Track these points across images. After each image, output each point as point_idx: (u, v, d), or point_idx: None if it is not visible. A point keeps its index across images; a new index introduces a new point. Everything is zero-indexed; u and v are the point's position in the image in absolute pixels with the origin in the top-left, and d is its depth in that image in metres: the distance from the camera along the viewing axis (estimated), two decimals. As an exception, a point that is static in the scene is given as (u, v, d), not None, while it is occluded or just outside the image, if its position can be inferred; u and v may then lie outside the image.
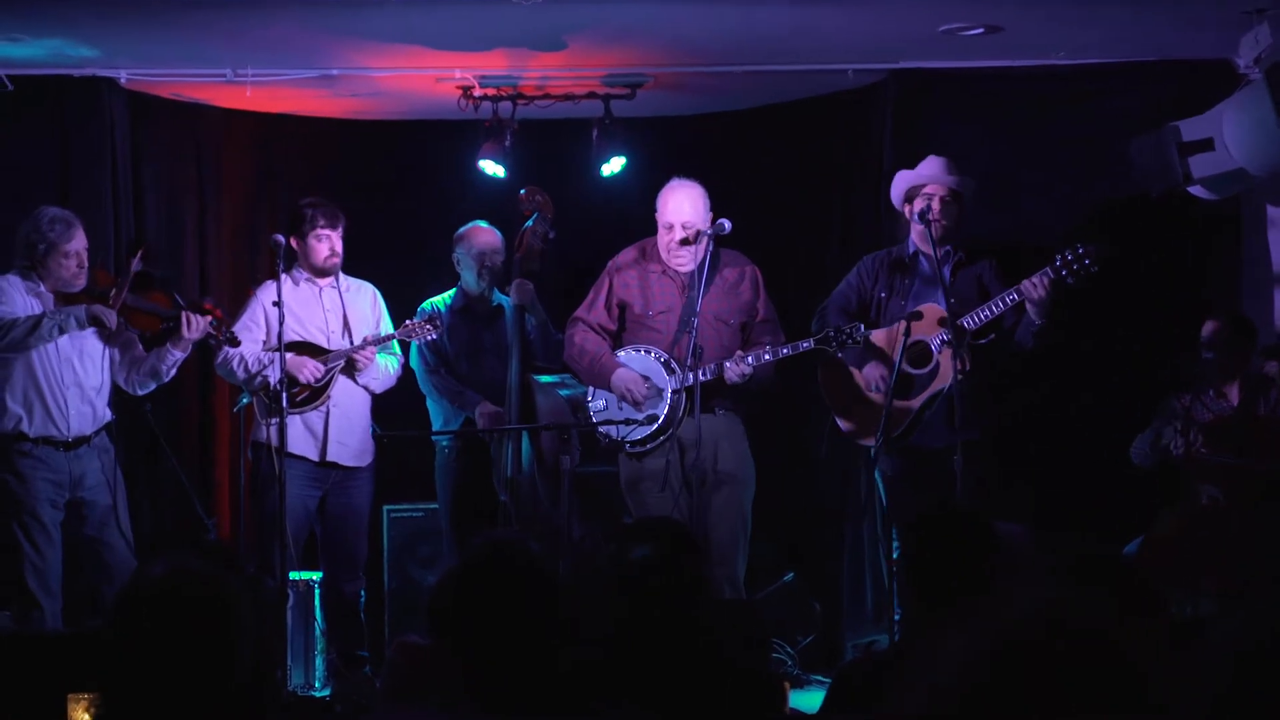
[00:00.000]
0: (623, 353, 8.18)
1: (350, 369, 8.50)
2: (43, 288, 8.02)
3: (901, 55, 9.11)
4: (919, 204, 8.13)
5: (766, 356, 7.93)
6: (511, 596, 3.77)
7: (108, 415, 8.13)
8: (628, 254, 8.33)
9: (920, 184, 8.20)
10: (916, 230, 8.17)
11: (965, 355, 7.64)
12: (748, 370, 7.88)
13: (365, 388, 8.59)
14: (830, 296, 8.39)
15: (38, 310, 7.95)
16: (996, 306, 7.83)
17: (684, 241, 8.06)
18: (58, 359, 7.94)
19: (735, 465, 8.04)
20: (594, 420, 8.19)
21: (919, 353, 7.89)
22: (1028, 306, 7.79)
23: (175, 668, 3.17)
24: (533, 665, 3.76)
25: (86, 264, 8.02)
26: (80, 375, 8.03)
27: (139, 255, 8.11)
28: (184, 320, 7.98)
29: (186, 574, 3.22)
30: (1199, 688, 1.91)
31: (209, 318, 8.06)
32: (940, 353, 7.91)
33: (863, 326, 7.86)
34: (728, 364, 7.88)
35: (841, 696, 4.42)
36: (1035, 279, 7.72)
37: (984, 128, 9.16)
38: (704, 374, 7.85)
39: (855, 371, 8.17)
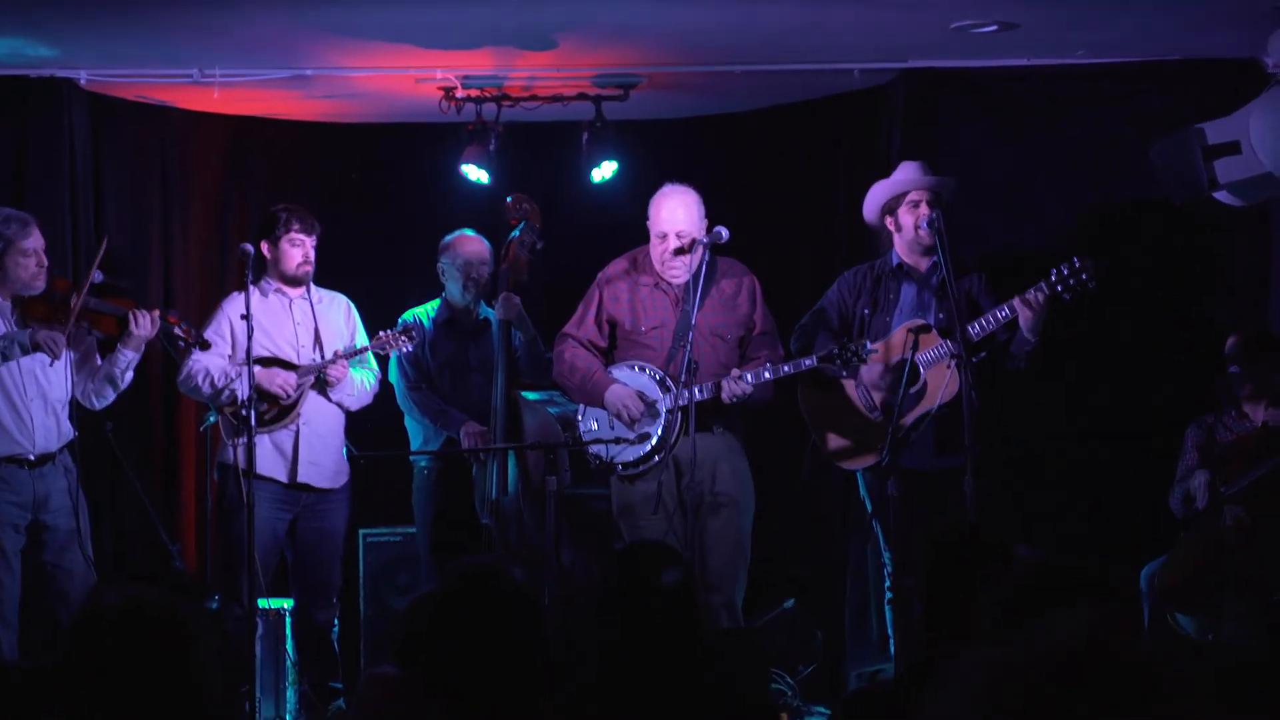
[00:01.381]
0: (615, 370, 8.10)
1: (322, 385, 8.43)
2: None
3: (911, 54, 9.08)
4: (905, 213, 8.07)
5: (766, 375, 7.86)
6: (490, 626, 3.71)
7: (71, 431, 8.07)
8: (617, 265, 8.26)
9: (902, 191, 8.15)
10: (904, 242, 8.11)
11: (969, 372, 7.56)
12: (747, 390, 7.80)
13: (339, 405, 8.52)
14: (809, 315, 8.33)
15: None
16: (989, 322, 7.77)
17: (679, 251, 7.98)
18: (19, 371, 7.89)
19: (733, 487, 7.96)
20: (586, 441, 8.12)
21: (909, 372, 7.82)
22: (1020, 323, 7.74)
23: (130, 698, 3.11)
24: (514, 699, 3.69)
25: (46, 264, 7.95)
26: (45, 387, 7.98)
27: (101, 252, 8.02)
28: (131, 318, 7.91)
29: (140, 601, 3.16)
30: None
31: (156, 311, 7.99)
32: (928, 371, 7.85)
33: (869, 344, 7.79)
34: (724, 382, 7.81)
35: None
36: (1030, 294, 7.68)
37: (998, 130, 9.13)
38: (701, 392, 7.78)
39: (849, 385, 8.09)
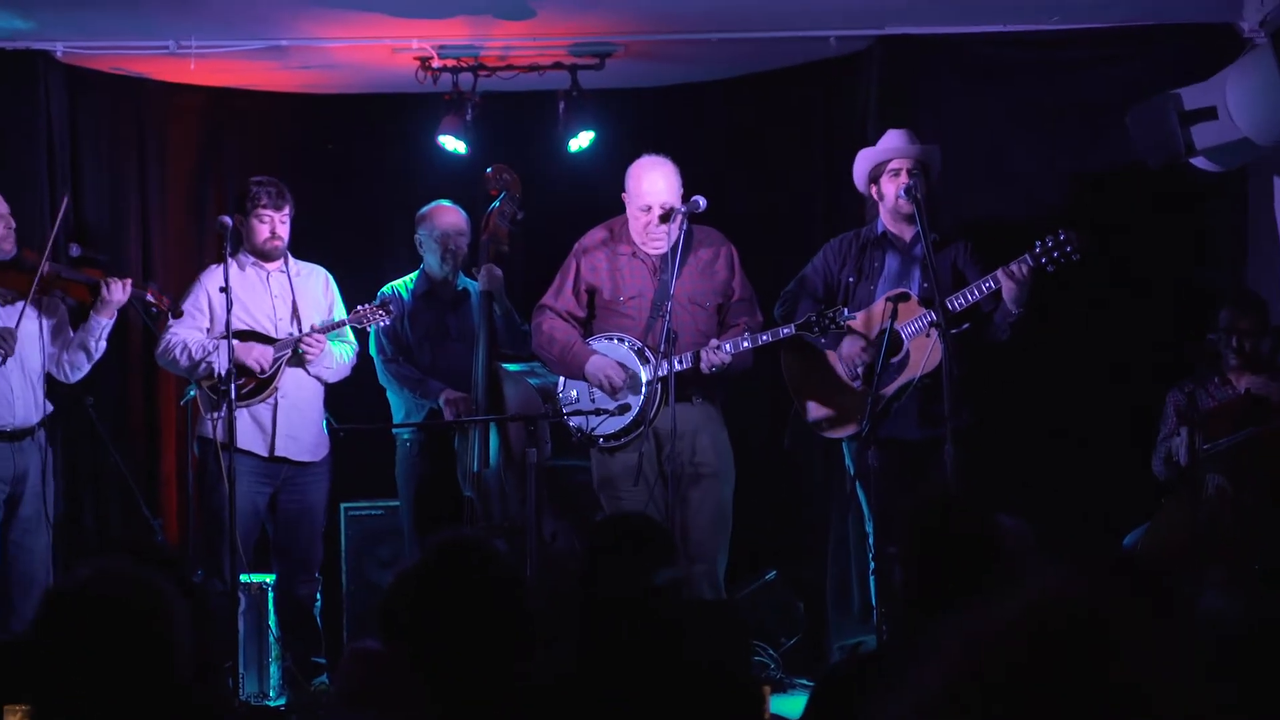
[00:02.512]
0: (594, 341, 8.10)
1: (300, 359, 8.43)
2: None
3: (887, 20, 9.06)
4: (887, 182, 8.09)
5: (745, 344, 7.86)
6: (473, 599, 3.73)
7: (48, 405, 8.07)
8: (595, 235, 8.26)
9: (884, 159, 8.16)
10: (886, 210, 8.14)
11: (949, 341, 7.58)
12: (725, 359, 7.81)
13: (318, 378, 8.53)
14: (794, 282, 8.34)
15: None
16: (973, 294, 7.78)
17: (660, 219, 7.98)
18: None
19: (714, 457, 7.97)
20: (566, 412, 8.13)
21: (890, 341, 7.83)
22: (1004, 295, 7.75)
23: (105, 674, 3.12)
24: (497, 673, 3.70)
25: (13, 225, 7.94)
26: (23, 357, 7.98)
27: (61, 211, 8.00)
28: (104, 285, 7.90)
29: (112, 576, 3.16)
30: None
31: (130, 279, 7.98)
32: (911, 341, 7.87)
33: (846, 310, 7.80)
34: (703, 352, 7.81)
35: (826, 701, 4.38)
36: (1014, 267, 7.69)
37: (975, 96, 9.13)
38: (680, 362, 7.79)
39: (831, 355, 8.12)
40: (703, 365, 7.80)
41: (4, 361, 7.80)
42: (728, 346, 7.82)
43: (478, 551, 3.81)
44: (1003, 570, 4.30)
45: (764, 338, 7.89)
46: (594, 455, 8.11)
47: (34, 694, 3.20)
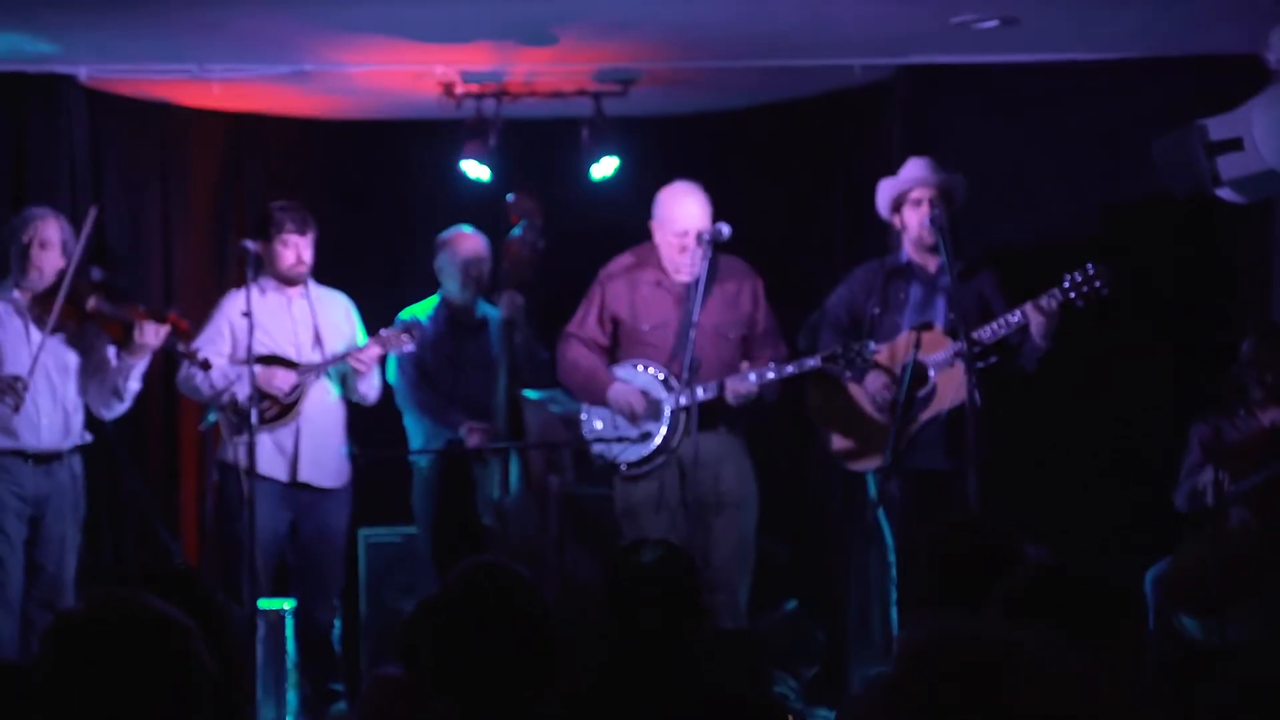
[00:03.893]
0: (618, 369, 8.11)
1: (347, 379, 8.42)
2: (15, 293, 7.98)
3: (911, 49, 9.06)
4: (909, 211, 8.08)
5: (770, 375, 7.86)
6: (497, 625, 3.72)
7: (84, 436, 8.07)
8: (619, 262, 8.26)
9: (906, 189, 8.15)
10: (909, 240, 8.13)
11: (973, 372, 7.56)
12: (751, 389, 7.81)
13: (363, 398, 8.52)
14: (820, 311, 8.34)
15: (5, 321, 7.94)
16: (1000, 328, 7.77)
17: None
18: (30, 366, 7.87)
19: (737, 487, 7.97)
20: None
21: (915, 374, 7.81)
22: (1032, 329, 7.73)
23: (114, 700, 3.09)
24: (518, 700, 3.70)
25: (51, 255, 7.95)
26: (55, 385, 7.98)
27: (89, 224, 8.01)
28: (136, 327, 7.91)
29: (123, 601, 3.14)
30: None
31: (167, 326, 7.98)
32: (937, 373, 7.86)
33: (872, 344, 7.80)
34: (728, 382, 7.81)
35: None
36: (1042, 301, 7.67)
37: (998, 126, 9.12)
38: (705, 391, 7.79)
39: (854, 388, 8.11)
40: (729, 396, 7.80)
41: (17, 409, 7.79)
42: (753, 376, 7.81)
43: (503, 578, 3.81)
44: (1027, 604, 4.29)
45: (789, 369, 7.88)
46: (616, 483, 8.10)
47: (47, 717, 3.18)
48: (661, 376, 8.00)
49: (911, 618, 7.26)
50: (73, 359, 8.06)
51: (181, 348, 8.08)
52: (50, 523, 7.94)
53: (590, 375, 8.10)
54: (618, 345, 8.19)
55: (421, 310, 8.88)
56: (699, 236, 7.94)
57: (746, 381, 7.80)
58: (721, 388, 7.83)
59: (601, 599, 4.66)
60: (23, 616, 7.92)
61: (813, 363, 7.84)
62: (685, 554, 5.03)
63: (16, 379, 7.78)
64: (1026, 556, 4.54)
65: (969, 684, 1.92)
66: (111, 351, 8.07)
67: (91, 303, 7.92)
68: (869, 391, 8.02)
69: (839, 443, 8.18)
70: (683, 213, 8.00)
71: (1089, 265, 7.65)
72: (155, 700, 3.08)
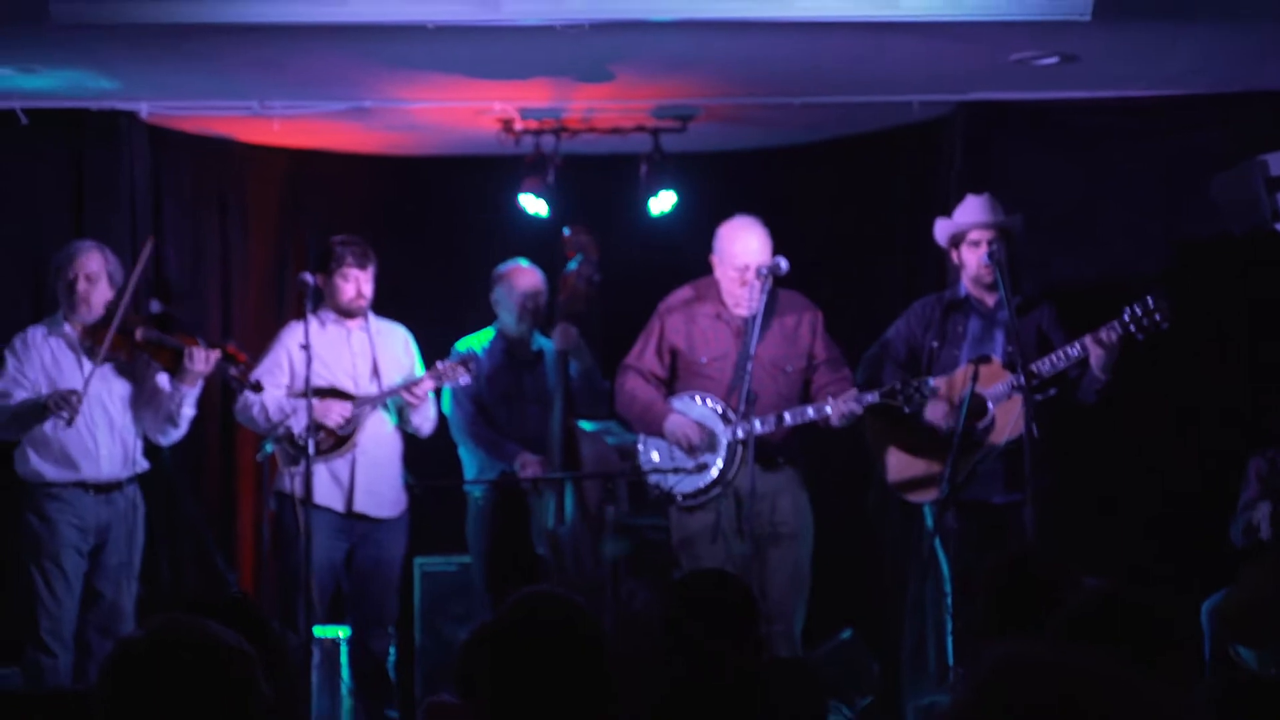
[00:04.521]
0: (675, 401, 8.11)
1: (402, 411, 8.45)
2: (66, 327, 8.05)
3: (970, 86, 9.05)
4: (967, 251, 8.07)
5: (869, 399, 7.81)
6: (555, 655, 3.70)
7: (142, 464, 8.13)
8: (679, 295, 8.27)
9: (964, 230, 8.13)
10: (968, 277, 8.11)
11: (1031, 404, 7.54)
12: (855, 409, 7.78)
13: (417, 430, 8.53)
14: (876, 345, 8.32)
15: (58, 356, 8.01)
16: (1060, 360, 7.73)
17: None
18: (86, 400, 7.92)
19: (793, 518, 7.96)
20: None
21: (974, 406, 7.79)
22: (1092, 361, 7.70)
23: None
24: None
25: (99, 288, 8.00)
26: (111, 415, 8.04)
27: (144, 256, 8.07)
28: (186, 353, 7.94)
29: (181, 629, 3.14)
30: None
31: (217, 351, 8.01)
32: (996, 406, 7.83)
33: (931, 381, 7.78)
34: (832, 400, 7.79)
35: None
36: (1102, 334, 7.63)
37: (1058, 162, 9.11)
38: (763, 425, 7.78)
39: (914, 419, 8.07)
40: (833, 418, 7.76)
41: (70, 423, 7.84)
42: (854, 397, 7.78)
43: (560, 606, 3.80)
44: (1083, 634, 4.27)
45: (869, 398, 7.84)
46: (672, 514, 8.09)
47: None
48: (719, 409, 8.00)
49: (968, 649, 7.24)
50: (126, 388, 8.12)
51: (234, 373, 8.11)
52: (110, 551, 8.00)
53: (647, 406, 8.10)
54: (676, 378, 8.19)
55: (477, 343, 8.90)
56: (758, 271, 7.93)
57: (853, 401, 7.77)
58: (780, 420, 7.82)
59: (659, 630, 4.64)
60: (80, 644, 7.97)
61: (871, 398, 7.81)
62: (743, 584, 5.04)
63: (72, 392, 7.83)
64: (1083, 588, 4.52)
65: (1038, 712, 1.90)
66: (164, 379, 8.11)
67: (140, 333, 7.98)
68: (930, 422, 8.00)
69: (897, 473, 8.15)
70: (743, 247, 8.00)
71: (1149, 298, 7.61)
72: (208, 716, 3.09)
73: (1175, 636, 3.71)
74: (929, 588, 8.54)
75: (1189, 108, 9.05)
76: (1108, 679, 1.93)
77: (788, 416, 7.86)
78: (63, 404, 7.80)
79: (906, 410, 7.93)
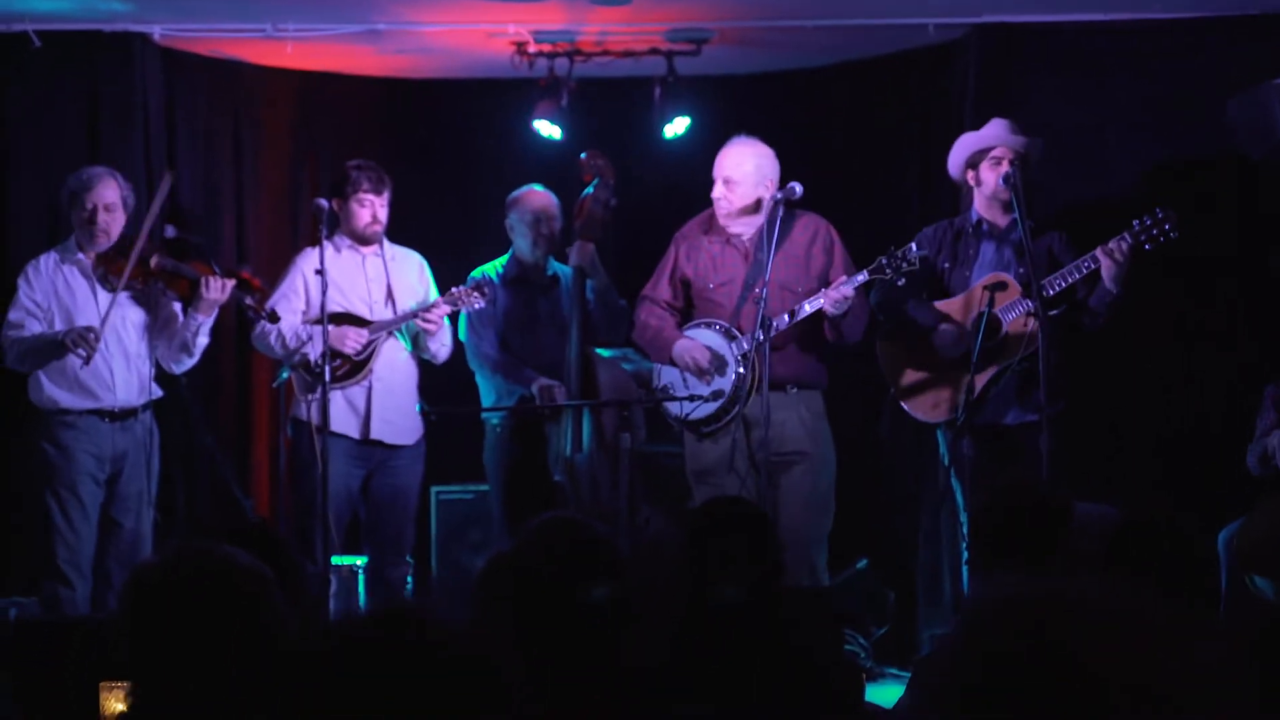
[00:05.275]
0: (687, 329, 8.11)
1: (419, 338, 8.44)
2: (80, 255, 8.03)
3: (985, 8, 9.01)
4: (987, 169, 8.04)
5: (860, 278, 7.77)
6: (575, 579, 3.71)
7: (157, 391, 8.12)
8: (691, 224, 8.28)
9: (986, 147, 8.11)
10: (983, 196, 8.08)
11: (1047, 328, 7.54)
12: (849, 292, 7.73)
13: (433, 357, 8.52)
14: None
15: (71, 283, 8.00)
16: (1071, 275, 7.74)
17: (746, 210, 7.98)
18: (101, 328, 7.91)
19: (808, 443, 7.94)
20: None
21: (988, 325, 7.79)
22: (1103, 274, 7.71)
23: (196, 651, 3.10)
24: (594, 655, 3.70)
25: (117, 217, 7.98)
26: (126, 343, 8.03)
27: (164, 189, 8.05)
28: (202, 283, 7.92)
29: (198, 554, 3.15)
30: None
31: (233, 281, 7.99)
32: (1009, 325, 7.83)
33: (914, 247, 7.74)
34: (824, 290, 7.75)
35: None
36: (1112, 245, 7.65)
37: (1072, 86, 9.06)
38: (776, 325, 7.76)
39: (924, 341, 8.05)
40: (826, 305, 7.74)
41: (88, 362, 7.82)
42: (844, 281, 7.75)
43: (580, 531, 3.81)
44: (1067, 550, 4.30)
45: (860, 277, 7.78)
46: (688, 441, 8.09)
47: (130, 671, 3.19)
48: (723, 328, 7.98)
49: (973, 577, 7.27)
50: (141, 316, 8.10)
51: (250, 302, 8.09)
52: (127, 479, 8.00)
53: (657, 333, 8.11)
54: (691, 306, 8.19)
55: (493, 269, 8.87)
56: (730, 187, 7.94)
57: (845, 286, 7.74)
58: (793, 314, 7.78)
59: (675, 556, 4.65)
60: (100, 574, 7.98)
61: (861, 277, 7.75)
62: (759, 510, 5.05)
63: (89, 329, 7.80)
64: (1077, 515, 4.53)
65: (1038, 640, 1.90)
66: (178, 307, 8.10)
67: (155, 260, 7.95)
68: (940, 342, 7.99)
69: (911, 395, 8.14)
70: (718, 160, 8.03)
71: (1158, 209, 7.63)
72: (233, 649, 3.10)
73: (1199, 563, 3.72)
74: (944, 516, 8.56)
75: (1205, 29, 8.99)
76: (1098, 614, 1.93)
77: (786, 318, 7.84)
78: (80, 342, 7.77)
79: (900, 281, 7.83)
